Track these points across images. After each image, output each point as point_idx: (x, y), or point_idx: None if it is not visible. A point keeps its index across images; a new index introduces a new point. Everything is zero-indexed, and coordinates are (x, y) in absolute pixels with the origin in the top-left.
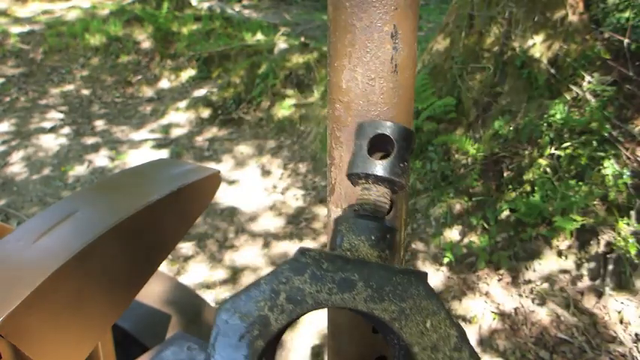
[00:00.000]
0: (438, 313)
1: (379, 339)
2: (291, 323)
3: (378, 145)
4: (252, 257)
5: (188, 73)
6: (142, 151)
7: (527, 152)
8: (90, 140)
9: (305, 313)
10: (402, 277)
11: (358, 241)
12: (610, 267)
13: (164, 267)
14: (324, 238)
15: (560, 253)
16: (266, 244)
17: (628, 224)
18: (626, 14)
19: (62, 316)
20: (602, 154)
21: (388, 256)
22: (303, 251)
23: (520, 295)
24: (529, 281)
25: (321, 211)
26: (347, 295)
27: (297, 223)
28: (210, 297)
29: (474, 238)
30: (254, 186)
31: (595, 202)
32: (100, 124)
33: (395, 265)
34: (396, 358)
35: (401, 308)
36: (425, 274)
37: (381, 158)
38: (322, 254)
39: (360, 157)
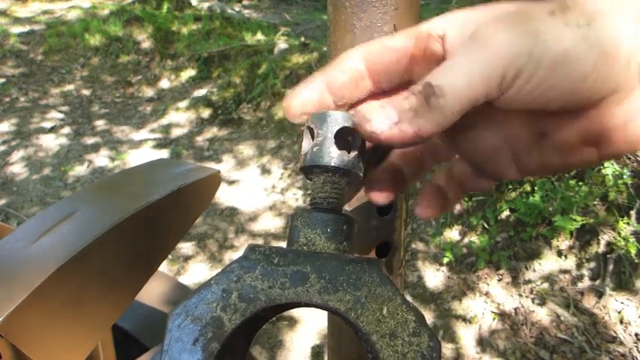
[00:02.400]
0: (394, 299)
1: None
2: (247, 322)
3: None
4: None
5: (188, 73)
6: (142, 151)
7: None
8: (90, 140)
9: (259, 311)
10: (354, 266)
11: (314, 235)
12: (610, 267)
13: (164, 267)
14: None
15: (560, 253)
16: (266, 244)
17: (628, 224)
18: None
19: (62, 316)
20: None
21: (347, 247)
22: (252, 247)
23: (520, 295)
24: (529, 281)
25: None
26: (300, 289)
27: None
28: None
29: (474, 238)
30: (254, 186)
31: (595, 202)
32: (100, 124)
33: (347, 255)
34: (368, 353)
35: (356, 297)
36: (378, 261)
37: (339, 149)
38: (272, 249)
39: (326, 149)
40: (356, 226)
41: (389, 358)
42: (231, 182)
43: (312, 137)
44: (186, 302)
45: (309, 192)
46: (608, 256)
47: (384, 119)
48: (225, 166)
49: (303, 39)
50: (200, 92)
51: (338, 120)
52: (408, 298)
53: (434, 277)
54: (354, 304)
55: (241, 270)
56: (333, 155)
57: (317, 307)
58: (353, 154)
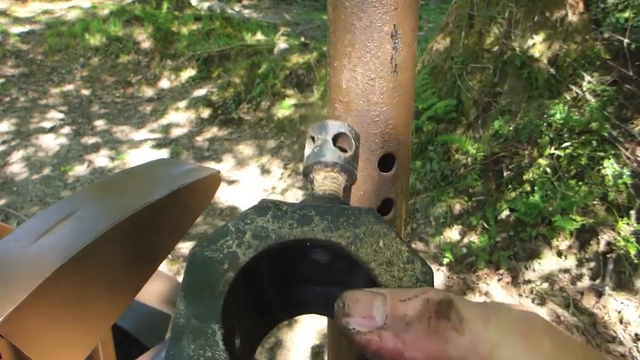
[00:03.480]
0: (389, 234)
1: None
2: (258, 257)
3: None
4: None
5: (188, 73)
6: (142, 151)
7: (527, 152)
8: (90, 140)
9: (268, 247)
10: (353, 210)
11: None
12: (610, 267)
13: (164, 267)
14: None
15: (560, 253)
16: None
17: (628, 224)
18: (626, 14)
19: (62, 316)
20: (602, 154)
21: None
22: (264, 200)
23: (520, 295)
24: (529, 281)
25: None
26: (306, 228)
27: None
28: None
29: (473, 238)
30: (254, 186)
31: (595, 202)
32: (100, 124)
33: (347, 205)
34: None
35: (355, 233)
36: (373, 209)
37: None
38: (281, 202)
39: (326, 149)
40: None
41: (387, 282)
42: (231, 182)
43: (314, 144)
44: (204, 241)
45: (309, 192)
46: (608, 256)
47: (365, 320)
48: (225, 166)
49: (303, 39)
50: (200, 92)
51: (335, 126)
52: None
53: (434, 277)
54: (353, 239)
55: (254, 214)
56: (332, 153)
57: (318, 252)
58: (349, 153)
